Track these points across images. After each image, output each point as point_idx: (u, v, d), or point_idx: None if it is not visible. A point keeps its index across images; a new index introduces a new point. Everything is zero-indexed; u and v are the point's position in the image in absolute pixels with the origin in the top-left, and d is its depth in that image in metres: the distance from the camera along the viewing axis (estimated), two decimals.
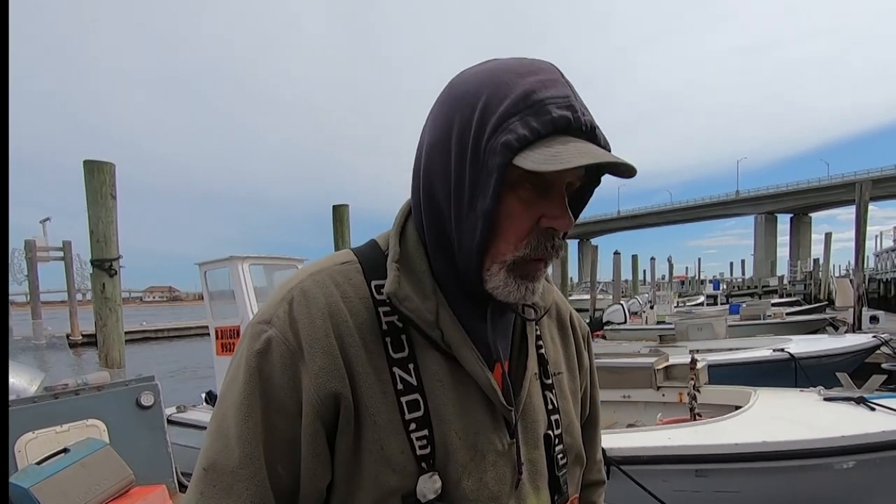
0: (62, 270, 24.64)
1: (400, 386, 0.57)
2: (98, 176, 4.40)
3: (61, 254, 24.51)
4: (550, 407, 0.68)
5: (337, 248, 7.57)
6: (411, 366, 0.58)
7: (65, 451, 2.28)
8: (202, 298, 5.99)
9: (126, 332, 5.21)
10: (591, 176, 0.61)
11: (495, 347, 0.62)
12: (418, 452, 0.56)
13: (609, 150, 0.55)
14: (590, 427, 0.81)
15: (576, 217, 0.63)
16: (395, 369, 0.57)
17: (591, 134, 0.54)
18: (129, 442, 2.62)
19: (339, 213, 7.69)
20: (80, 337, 22.54)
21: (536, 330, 0.71)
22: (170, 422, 2.91)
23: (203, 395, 5.96)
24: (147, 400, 2.77)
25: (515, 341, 0.67)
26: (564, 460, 0.68)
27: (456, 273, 0.60)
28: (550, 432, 0.67)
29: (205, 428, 0.55)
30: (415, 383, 0.58)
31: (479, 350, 0.61)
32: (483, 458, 0.59)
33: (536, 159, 0.50)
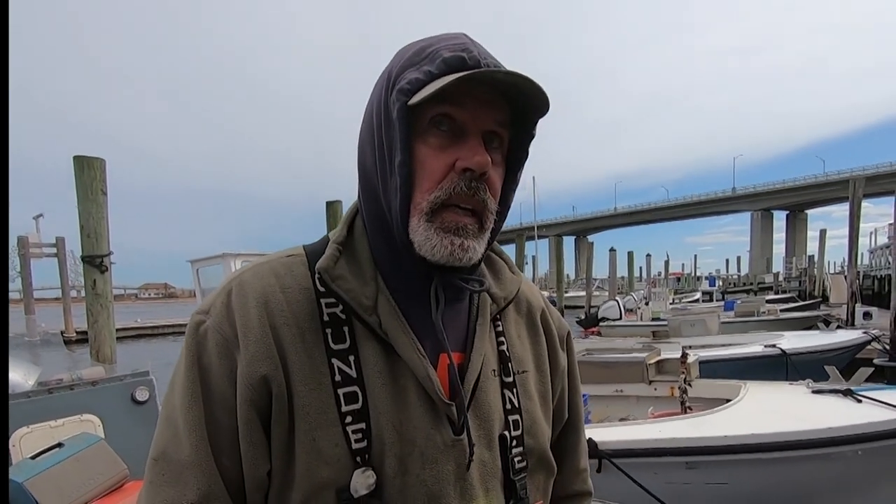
0: (56, 267, 24.53)
1: (338, 377, 0.56)
2: (88, 171, 4.38)
3: (54, 250, 24.36)
4: (509, 406, 0.65)
5: None
6: (352, 358, 0.57)
7: (59, 445, 2.29)
8: (196, 298, 5.98)
9: (120, 329, 5.20)
10: (519, 129, 0.61)
11: (443, 337, 0.59)
12: (354, 446, 0.55)
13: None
14: (570, 433, 0.78)
15: (516, 175, 0.62)
16: (334, 360, 0.56)
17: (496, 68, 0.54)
18: (124, 437, 2.63)
19: (333, 210, 7.68)
20: (74, 334, 22.44)
21: (498, 325, 0.68)
22: None
23: None
24: (142, 395, 2.79)
25: (471, 334, 0.64)
26: (523, 463, 0.64)
27: (397, 254, 0.60)
28: (507, 433, 0.63)
29: None
30: (354, 375, 0.56)
31: (426, 342, 0.59)
32: (421, 454, 0.57)
33: (424, 92, 0.52)
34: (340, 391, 0.55)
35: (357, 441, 0.55)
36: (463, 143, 0.55)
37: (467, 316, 0.65)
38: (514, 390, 0.66)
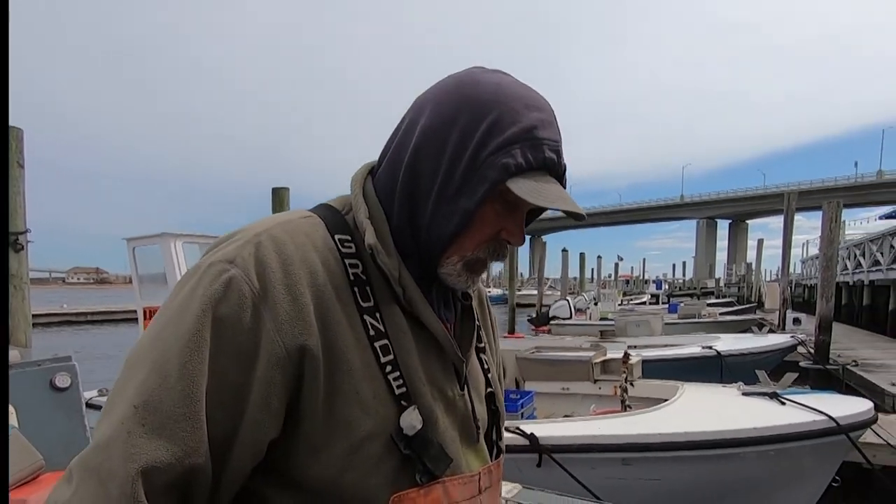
0: None
1: (372, 332, 0.60)
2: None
3: None
4: (486, 367, 0.76)
5: None
6: (378, 314, 0.61)
7: None
8: (132, 281, 5.64)
9: (44, 315, 4.83)
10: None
11: (440, 310, 0.68)
12: (396, 392, 0.60)
13: (566, 189, 0.65)
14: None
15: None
16: (366, 317, 0.60)
17: (562, 177, 0.64)
18: (41, 426, 2.46)
19: (280, 196, 7.40)
20: None
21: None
22: (91, 406, 2.74)
23: None
24: (63, 381, 2.60)
25: (457, 308, 0.73)
26: (497, 415, 0.76)
27: (415, 246, 0.65)
28: (490, 389, 0.75)
29: None
30: (383, 330, 0.61)
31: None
32: (440, 404, 0.64)
33: (525, 188, 0.59)
34: (376, 344, 0.60)
35: (399, 387, 0.60)
36: (512, 217, 0.63)
37: (451, 293, 0.73)
38: (483, 356, 0.77)
